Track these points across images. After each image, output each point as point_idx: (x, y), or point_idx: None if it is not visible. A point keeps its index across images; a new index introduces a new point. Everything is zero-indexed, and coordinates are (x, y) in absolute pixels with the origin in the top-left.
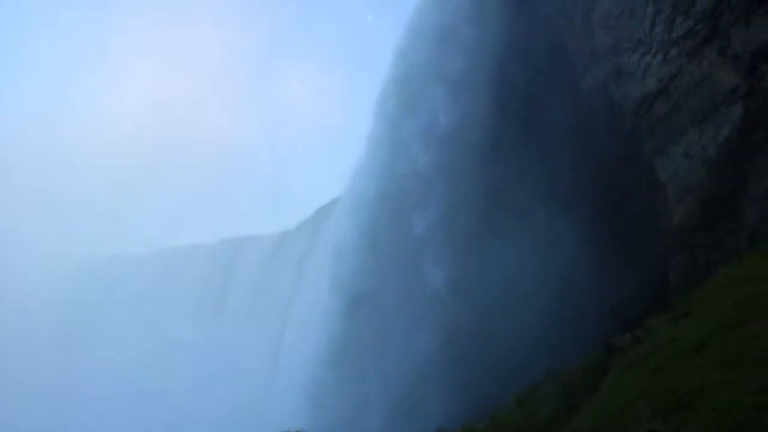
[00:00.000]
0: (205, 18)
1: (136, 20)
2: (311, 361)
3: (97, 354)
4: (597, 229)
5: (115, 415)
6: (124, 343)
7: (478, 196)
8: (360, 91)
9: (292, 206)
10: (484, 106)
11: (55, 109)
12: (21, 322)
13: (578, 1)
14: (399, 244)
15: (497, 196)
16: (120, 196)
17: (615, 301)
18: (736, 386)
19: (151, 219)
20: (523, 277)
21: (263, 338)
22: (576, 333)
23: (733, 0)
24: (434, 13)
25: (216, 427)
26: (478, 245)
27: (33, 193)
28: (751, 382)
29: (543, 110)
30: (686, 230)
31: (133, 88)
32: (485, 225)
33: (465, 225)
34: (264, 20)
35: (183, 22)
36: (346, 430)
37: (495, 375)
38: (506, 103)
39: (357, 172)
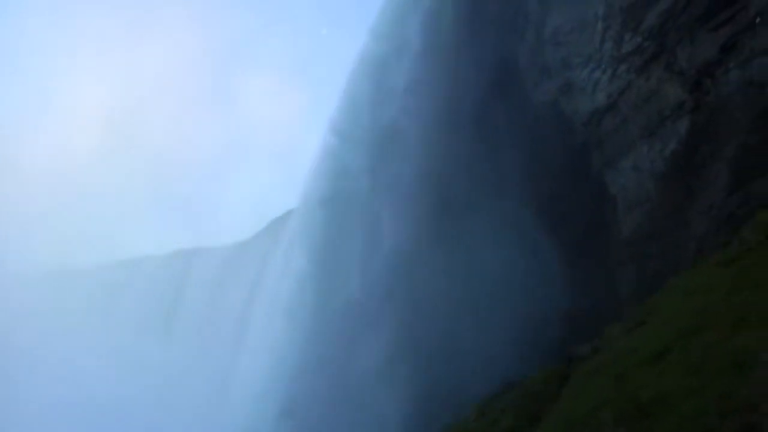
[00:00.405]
0: (161, 26)
1: (90, 25)
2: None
3: (40, 369)
4: (549, 240)
5: (56, 429)
6: (70, 358)
7: (432, 207)
8: (316, 102)
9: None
10: (436, 120)
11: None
12: None
13: (529, 17)
14: (354, 258)
15: (451, 206)
16: (68, 207)
17: (566, 309)
18: (699, 394)
19: (101, 230)
20: (473, 285)
21: (214, 358)
22: (527, 341)
23: (679, 18)
24: (388, 26)
25: None
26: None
27: None
28: (713, 389)
29: (496, 123)
30: (635, 241)
31: (84, 95)
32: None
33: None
34: (219, 31)
35: (139, 29)
36: None
37: (450, 381)
38: (459, 117)
39: (308, 185)
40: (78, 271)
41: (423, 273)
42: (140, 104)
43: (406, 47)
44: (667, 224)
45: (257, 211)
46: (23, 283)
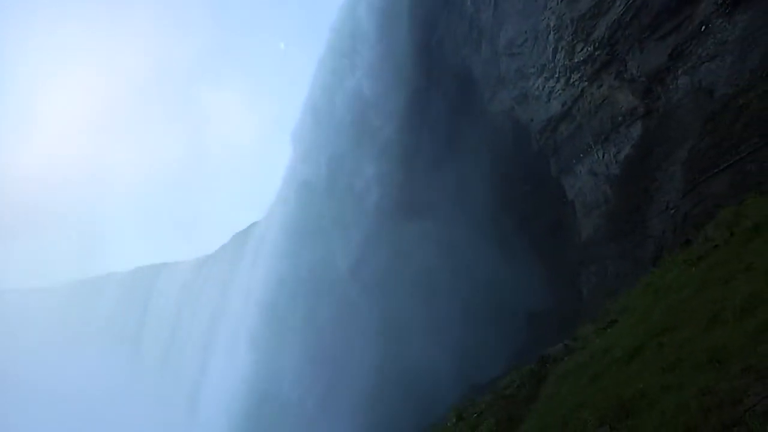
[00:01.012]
0: (126, 40)
1: (54, 35)
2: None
3: (4, 386)
4: (511, 243)
5: None
6: (35, 375)
7: (394, 214)
8: (278, 116)
9: (209, 232)
10: (398, 129)
11: None
12: None
13: (483, 30)
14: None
15: (412, 213)
16: (33, 225)
17: (530, 310)
18: (678, 390)
19: (67, 249)
20: (440, 287)
21: (182, 372)
22: (493, 340)
23: (628, 28)
24: (342, 41)
25: None
26: (392, 261)
27: None
28: (692, 385)
29: (457, 132)
30: (594, 243)
31: (48, 110)
32: (397, 242)
33: (379, 241)
34: (181, 45)
35: (103, 42)
36: None
37: (413, 381)
38: (418, 127)
39: (276, 198)
40: (44, 288)
41: (388, 281)
42: (109, 121)
43: (361, 60)
44: (624, 226)
45: (221, 225)
46: None
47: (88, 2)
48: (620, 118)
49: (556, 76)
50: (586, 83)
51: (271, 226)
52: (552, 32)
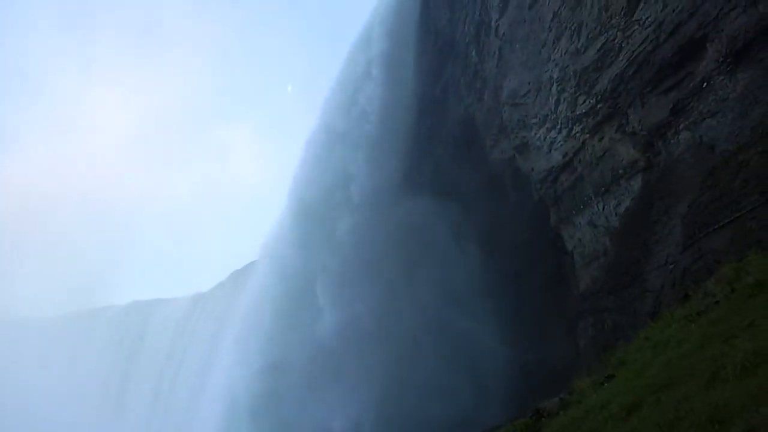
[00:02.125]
0: (131, 79)
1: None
2: None
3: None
4: (508, 292)
5: None
6: (28, 405)
7: (391, 259)
8: (281, 155)
9: (206, 269)
10: (397, 174)
11: None
12: None
13: (487, 80)
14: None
15: (409, 261)
16: (28, 257)
17: (525, 362)
18: None
19: (62, 281)
20: (433, 334)
21: (175, 408)
22: (486, 392)
23: (630, 82)
24: (348, 87)
25: None
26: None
27: None
28: None
29: (455, 179)
30: (592, 295)
31: (57, 143)
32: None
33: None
34: (188, 84)
35: (109, 81)
36: None
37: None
38: (419, 172)
39: (273, 238)
40: (37, 320)
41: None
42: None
43: (365, 106)
44: (623, 279)
45: (220, 263)
46: None
47: (115, 33)
48: (621, 171)
49: (558, 127)
50: (588, 135)
51: (270, 265)
52: (555, 84)
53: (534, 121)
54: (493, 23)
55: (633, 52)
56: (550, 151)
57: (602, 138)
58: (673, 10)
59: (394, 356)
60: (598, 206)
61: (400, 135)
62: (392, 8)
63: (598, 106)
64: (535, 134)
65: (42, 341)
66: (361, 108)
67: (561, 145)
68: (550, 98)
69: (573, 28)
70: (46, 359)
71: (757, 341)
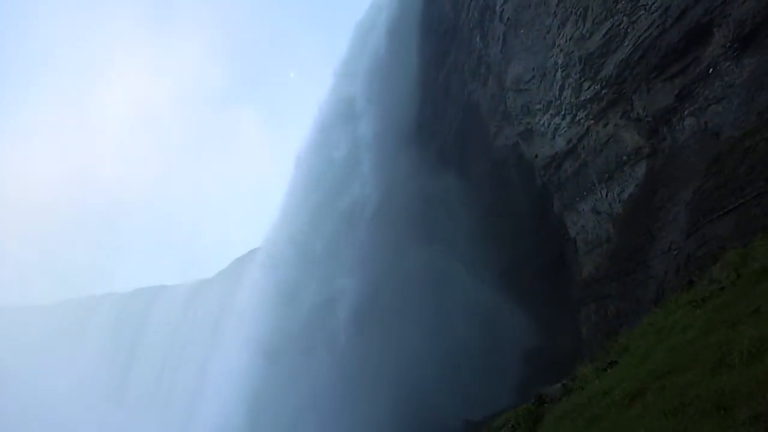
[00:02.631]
0: (141, 65)
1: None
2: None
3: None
4: (511, 278)
5: None
6: (28, 393)
7: (393, 244)
8: (284, 142)
9: (209, 256)
10: (403, 164)
11: None
12: None
13: (491, 66)
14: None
15: (412, 244)
16: (29, 242)
17: (528, 347)
18: None
19: (62, 267)
20: (433, 317)
21: (175, 397)
22: (489, 377)
23: (636, 68)
24: (352, 73)
25: None
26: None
27: None
28: (695, 431)
29: (461, 166)
30: (595, 281)
31: (60, 127)
32: (397, 272)
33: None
34: (197, 67)
35: (118, 62)
36: None
37: (408, 417)
38: (424, 158)
39: (274, 225)
40: (38, 307)
41: (386, 311)
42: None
43: (370, 91)
44: (626, 265)
45: (221, 251)
46: None
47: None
48: (625, 158)
49: (562, 113)
50: (592, 121)
51: (274, 250)
52: (559, 70)
53: (538, 107)
54: (497, 8)
55: (639, 37)
56: (554, 137)
57: (607, 124)
58: None
59: (397, 344)
60: (601, 193)
61: (404, 121)
62: None
63: (603, 92)
64: (540, 120)
65: (43, 328)
66: (367, 93)
67: (565, 131)
68: (555, 84)
69: (578, 13)
70: (48, 346)
71: (763, 328)
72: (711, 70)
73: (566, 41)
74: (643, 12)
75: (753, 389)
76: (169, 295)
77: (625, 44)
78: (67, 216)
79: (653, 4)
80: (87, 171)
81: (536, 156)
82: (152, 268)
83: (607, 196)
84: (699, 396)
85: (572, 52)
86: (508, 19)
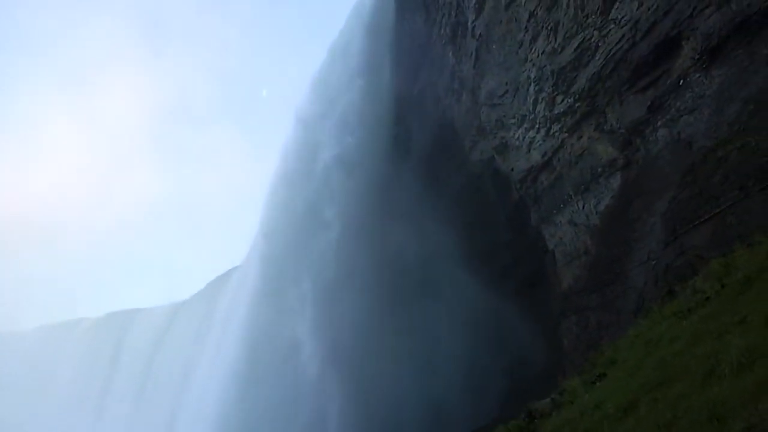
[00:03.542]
0: (120, 80)
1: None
2: None
3: None
4: (491, 291)
5: None
6: (7, 417)
7: (373, 260)
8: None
9: (187, 278)
10: (377, 179)
11: None
12: None
13: (465, 81)
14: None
15: (390, 262)
16: (4, 269)
17: (509, 361)
18: None
19: (37, 293)
20: (416, 335)
21: (153, 420)
22: (470, 391)
23: (608, 81)
24: (324, 90)
25: None
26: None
27: None
28: None
29: (436, 180)
30: (575, 294)
31: (34, 159)
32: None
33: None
34: (171, 89)
35: (92, 85)
36: None
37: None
38: (400, 175)
39: (251, 245)
40: (14, 332)
41: (365, 328)
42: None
43: (342, 107)
44: (605, 276)
45: (199, 271)
46: None
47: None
48: (600, 169)
49: (537, 126)
50: (567, 134)
51: (250, 269)
52: (533, 84)
53: (512, 121)
54: (469, 24)
55: (610, 51)
56: (529, 150)
57: (581, 137)
58: (649, 9)
59: (375, 366)
60: (578, 205)
61: (379, 138)
62: (369, 11)
63: (576, 105)
64: (514, 134)
65: (18, 354)
66: (341, 111)
67: (540, 144)
68: (528, 98)
69: (549, 27)
70: (24, 372)
71: (750, 337)
72: (681, 81)
73: (538, 56)
74: (613, 26)
75: (745, 400)
76: (145, 317)
77: (597, 58)
78: (36, 241)
79: (623, 17)
80: (58, 193)
81: (512, 169)
82: (128, 291)
83: (583, 207)
84: (692, 407)
85: (545, 66)
86: (480, 35)
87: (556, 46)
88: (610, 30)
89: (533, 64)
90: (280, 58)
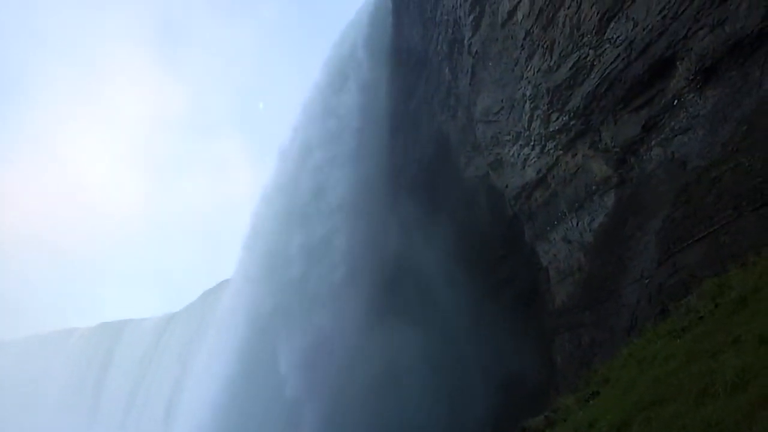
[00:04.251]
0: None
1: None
2: None
3: None
4: (485, 308)
5: None
6: None
7: (366, 274)
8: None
9: (177, 290)
10: (371, 193)
11: None
12: None
13: (460, 97)
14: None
15: (382, 277)
16: None
17: (501, 378)
18: None
19: (26, 303)
20: (410, 352)
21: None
22: (463, 408)
23: (602, 100)
24: (320, 105)
25: None
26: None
27: None
28: None
29: (431, 196)
30: (568, 310)
31: (34, 170)
32: (367, 305)
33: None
34: (173, 100)
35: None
36: None
37: None
38: (395, 189)
39: (242, 256)
40: (4, 342)
41: (351, 345)
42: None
43: (341, 123)
44: (599, 294)
45: (190, 284)
46: None
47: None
48: (594, 187)
49: (532, 143)
50: (561, 152)
51: (242, 284)
52: (528, 101)
53: (507, 138)
54: (465, 41)
55: (605, 70)
56: (523, 167)
57: (575, 154)
58: (644, 29)
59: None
60: (572, 222)
61: (374, 153)
62: (365, 25)
63: (571, 123)
64: (509, 151)
65: (9, 363)
66: (335, 125)
67: (535, 161)
68: (524, 115)
69: (545, 46)
70: (14, 381)
71: (744, 357)
72: (675, 101)
73: (534, 73)
74: (608, 45)
75: (738, 420)
76: (137, 328)
77: (592, 77)
78: (27, 252)
79: (618, 37)
80: (54, 202)
81: (506, 186)
82: (122, 302)
83: (577, 225)
84: (685, 427)
85: (540, 84)
86: (476, 52)
87: (551, 64)
88: (605, 49)
89: (529, 82)
90: (292, 67)
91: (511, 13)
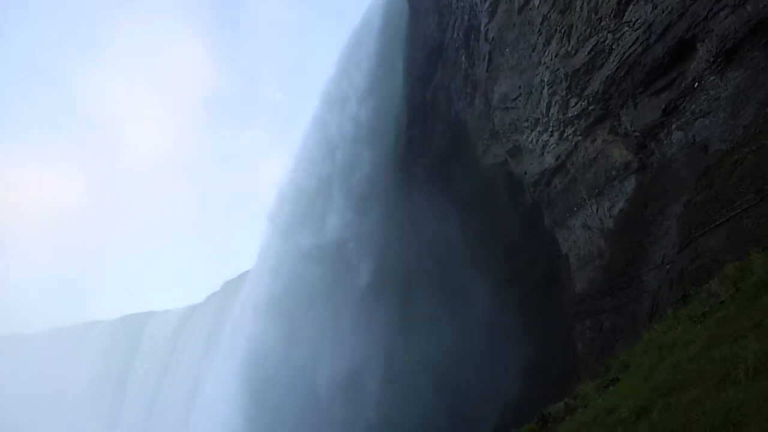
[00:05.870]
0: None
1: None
2: None
3: None
4: (504, 295)
5: None
6: (19, 423)
7: (384, 265)
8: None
9: (199, 282)
10: (389, 181)
11: None
12: None
13: (477, 85)
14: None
15: (401, 268)
16: (17, 272)
17: (523, 365)
18: None
19: (52, 295)
20: (428, 339)
21: (167, 422)
22: (485, 394)
23: (622, 84)
24: (337, 94)
25: None
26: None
27: None
28: None
29: (449, 184)
30: (589, 297)
31: (64, 165)
32: (388, 292)
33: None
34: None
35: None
36: None
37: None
38: (411, 178)
39: (264, 246)
40: (26, 336)
41: (377, 333)
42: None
43: (359, 112)
44: (619, 280)
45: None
46: None
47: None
48: (614, 173)
49: (550, 130)
50: (580, 137)
51: (264, 273)
52: (546, 87)
53: (526, 124)
54: (482, 28)
55: (623, 53)
56: (542, 154)
57: (595, 140)
58: (663, 11)
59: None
60: (592, 208)
61: (391, 141)
62: (381, 13)
63: (590, 108)
64: (527, 138)
65: (34, 356)
66: (353, 114)
67: (553, 147)
68: (542, 101)
69: (563, 31)
70: (37, 375)
71: (766, 341)
72: (696, 84)
73: (551, 59)
74: (627, 29)
75: (760, 405)
76: (160, 320)
77: (611, 60)
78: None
79: (637, 20)
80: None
81: (525, 173)
82: (142, 293)
83: (597, 211)
84: (706, 413)
85: (558, 69)
86: (493, 38)
87: (569, 49)
88: (624, 33)
89: (546, 68)
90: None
91: None
